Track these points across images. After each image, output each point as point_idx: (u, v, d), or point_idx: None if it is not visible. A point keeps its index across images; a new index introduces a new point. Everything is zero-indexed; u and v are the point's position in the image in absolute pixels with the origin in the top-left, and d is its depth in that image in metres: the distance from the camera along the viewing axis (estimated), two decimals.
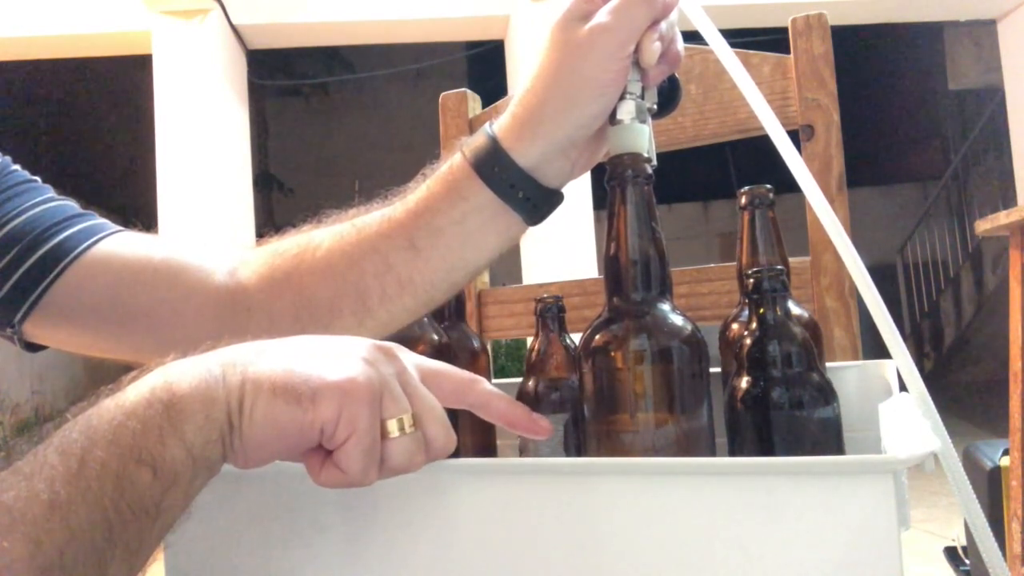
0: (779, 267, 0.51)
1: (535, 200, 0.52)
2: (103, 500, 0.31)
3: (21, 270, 0.55)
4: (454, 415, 0.60)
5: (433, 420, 0.39)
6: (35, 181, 0.60)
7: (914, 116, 8.55)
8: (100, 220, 0.60)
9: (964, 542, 1.76)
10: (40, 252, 0.55)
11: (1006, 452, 1.53)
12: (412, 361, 0.40)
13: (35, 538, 0.29)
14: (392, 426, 0.37)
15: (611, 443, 0.47)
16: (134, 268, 0.57)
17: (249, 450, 0.35)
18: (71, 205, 0.60)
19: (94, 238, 0.57)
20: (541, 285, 0.95)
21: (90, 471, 0.31)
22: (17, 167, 0.60)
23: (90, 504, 0.31)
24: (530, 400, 0.61)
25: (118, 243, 0.58)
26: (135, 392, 0.34)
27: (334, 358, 0.37)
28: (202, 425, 0.34)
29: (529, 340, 0.67)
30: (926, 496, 2.86)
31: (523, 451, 0.61)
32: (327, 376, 0.36)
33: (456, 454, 0.59)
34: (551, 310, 0.62)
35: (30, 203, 0.57)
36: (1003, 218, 1.46)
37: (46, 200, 0.58)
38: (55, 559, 0.30)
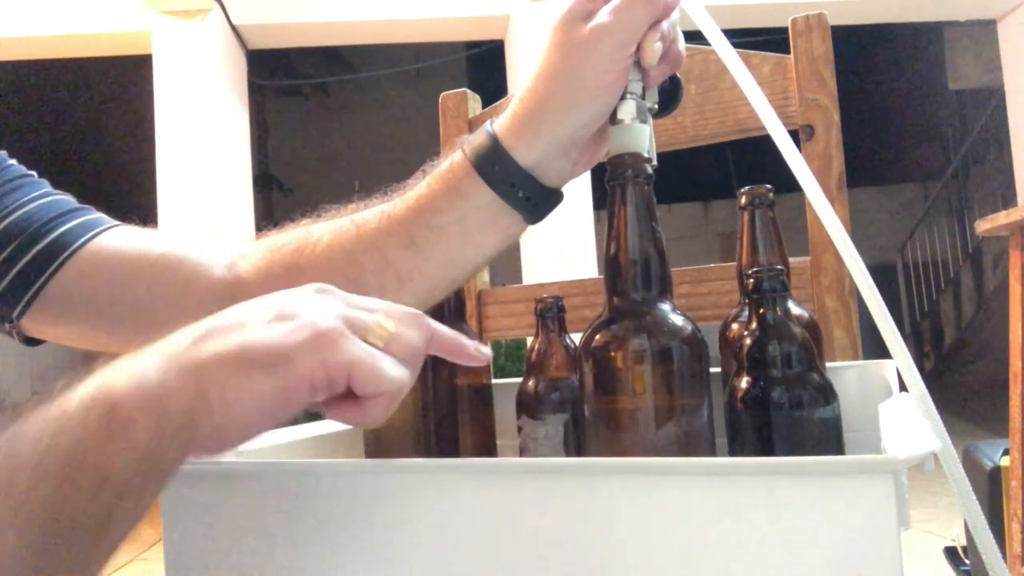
0: (779, 267, 0.51)
1: (535, 199, 0.52)
2: (38, 516, 0.29)
3: (19, 265, 0.55)
4: (454, 415, 0.60)
5: (399, 316, 0.38)
6: (31, 175, 0.60)
7: (914, 116, 8.55)
8: (97, 214, 0.60)
9: (964, 542, 1.76)
10: (38, 247, 0.55)
11: (1006, 452, 1.53)
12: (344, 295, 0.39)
13: None
14: (374, 339, 0.36)
15: (611, 443, 0.47)
16: (132, 262, 0.57)
17: (228, 436, 0.34)
18: (68, 199, 0.60)
19: (92, 232, 0.57)
20: (541, 285, 0.95)
21: (20, 484, 0.29)
22: (13, 162, 0.60)
23: (22, 521, 0.28)
24: (530, 400, 0.61)
25: (116, 237, 0.58)
26: (69, 400, 0.31)
27: (285, 320, 0.35)
28: (154, 429, 0.31)
29: (529, 340, 0.67)
30: (926, 496, 2.86)
31: (523, 451, 0.61)
32: (293, 337, 0.34)
33: (456, 454, 0.59)
34: (551, 310, 0.62)
35: (27, 198, 0.57)
36: (1003, 218, 1.46)
37: (43, 195, 0.58)
38: None
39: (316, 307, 0.36)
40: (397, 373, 0.36)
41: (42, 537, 0.29)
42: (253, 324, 0.35)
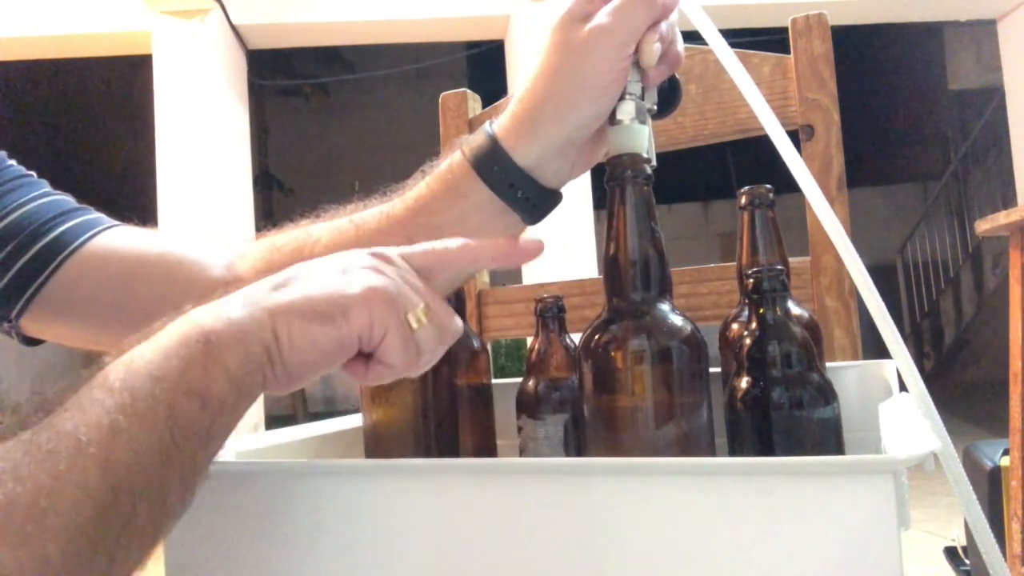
0: (779, 267, 0.51)
1: (534, 200, 0.52)
2: (159, 427, 0.33)
3: (18, 264, 0.55)
4: (454, 415, 0.60)
5: (439, 309, 0.41)
6: (31, 176, 0.60)
7: (914, 116, 8.54)
8: (97, 214, 0.60)
9: (964, 542, 1.76)
10: (37, 246, 0.55)
11: (1006, 452, 1.52)
12: (398, 255, 0.42)
13: (103, 460, 0.31)
14: (412, 319, 0.40)
15: (611, 443, 0.47)
16: (131, 262, 0.57)
17: (294, 373, 0.38)
18: (67, 199, 0.60)
19: (91, 232, 0.57)
20: (541, 285, 0.95)
21: (142, 403, 0.33)
22: (12, 162, 0.60)
23: (148, 430, 0.32)
24: (530, 400, 0.61)
25: (115, 237, 0.58)
26: (167, 337, 0.36)
27: (345, 275, 0.39)
28: (242, 359, 0.36)
29: (529, 340, 0.67)
30: (926, 496, 2.86)
31: (523, 451, 0.61)
32: (349, 291, 0.38)
33: (456, 454, 0.59)
34: (551, 310, 0.62)
35: (26, 198, 0.57)
36: (1003, 218, 1.46)
37: (42, 195, 0.58)
38: (124, 479, 0.31)
39: (374, 268, 0.40)
40: (414, 357, 0.40)
41: (166, 440, 0.33)
42: (320, 278, 0.39)
